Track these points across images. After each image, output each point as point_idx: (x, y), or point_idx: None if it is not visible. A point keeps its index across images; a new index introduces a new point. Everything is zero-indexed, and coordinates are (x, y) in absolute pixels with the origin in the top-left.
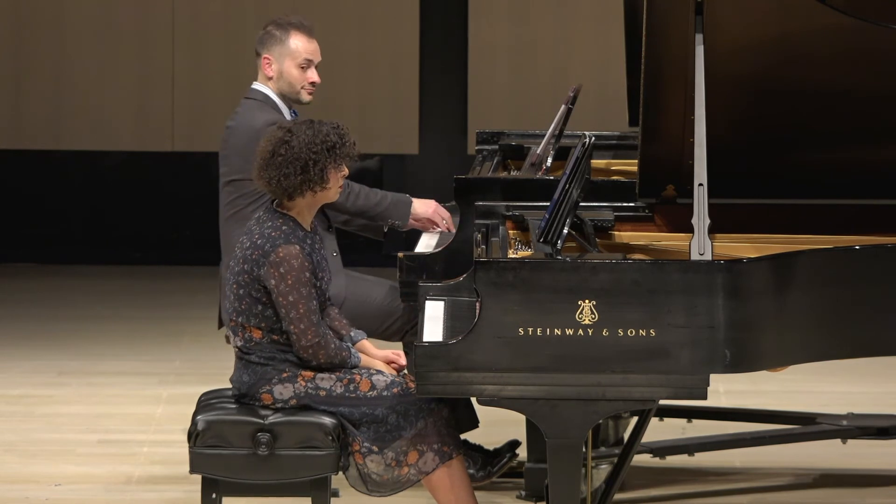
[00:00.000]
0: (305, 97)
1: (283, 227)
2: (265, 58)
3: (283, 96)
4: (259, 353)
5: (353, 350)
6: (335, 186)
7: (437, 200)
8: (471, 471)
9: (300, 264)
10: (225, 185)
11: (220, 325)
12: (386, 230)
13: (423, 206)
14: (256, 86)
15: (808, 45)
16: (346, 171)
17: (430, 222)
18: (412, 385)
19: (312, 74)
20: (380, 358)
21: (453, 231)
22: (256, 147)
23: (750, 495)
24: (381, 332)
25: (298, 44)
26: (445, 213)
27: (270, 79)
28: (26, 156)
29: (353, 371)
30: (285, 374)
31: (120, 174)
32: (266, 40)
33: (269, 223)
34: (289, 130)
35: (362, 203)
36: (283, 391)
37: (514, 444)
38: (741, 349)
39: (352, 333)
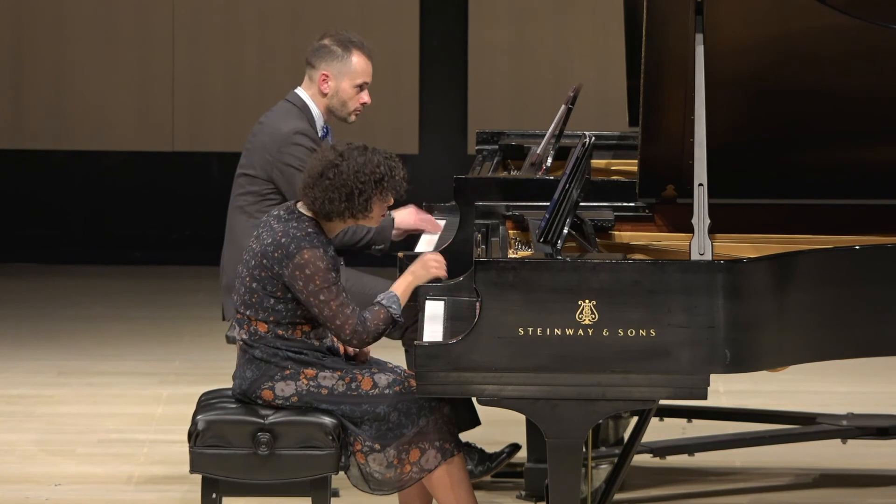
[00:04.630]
0: (353, 118)
1: (309, 230)
2: (323, 74)
3: (329, 112)
4: (263, 347)
5: (383, 300)
6: (378, 216)
7: (434, 201)
8: (469, 467)
9: (326, 265)
10: (239, 176)
11: (224, 317)
12: (379, 254)
13: (405, 218)
14: (299, 92)
15: (808, 45)
16: (391, 201)
17: (420, 228)
18: (413, 383)
19: (365, 96)
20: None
21: (439, 230)
22: (273, 150)
23: (750, 495)
24: None
25: (359, 64)
26: (427, 217)
27: (325, 95)
28: (26, 156)
29: (355, 370)
30: (287, 372)
31: (120, 174)
32: (325, 55)
33: (294, 223)
34: (340, 154)
35: (348, 239)
36: (285, 388)
37: (514, 446)
38: (741, 349)
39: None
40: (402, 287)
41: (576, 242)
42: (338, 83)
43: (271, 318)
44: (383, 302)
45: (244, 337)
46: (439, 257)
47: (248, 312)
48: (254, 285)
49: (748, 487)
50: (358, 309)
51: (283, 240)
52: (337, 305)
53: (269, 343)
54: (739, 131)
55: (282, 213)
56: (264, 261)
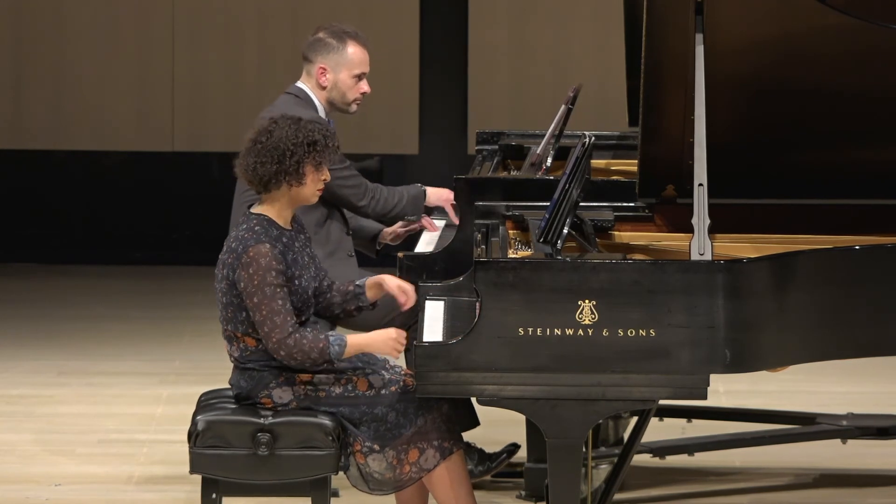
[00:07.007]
0: (354, 108)
1: (256, 228)
2: (321, 67)
3: (330, 104)
4: (256, 361)
5: (332, 338)
6: (312, 186)
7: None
8: (469, 467)
9: (267, 263)
10: None
11: None
12: (379, 249)
13: (438, 191)
14: (300, 85)
15: (808, 45)
16: (327, 176)
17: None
18: (410, 382)
19: (364, 85)
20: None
21: (439, 230)
22: None
23: (750, 495)
24: (383, 325)
25: (355, 55)
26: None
27: (324, 88)
28: (26, 156)
29: (350, 371)
30: (282, 378)
31: (120, 174)
32: (320, 48)
33: (244, 226)
34: (275, 122)
35: (381, 208)
36: (283, 395)
37: (513, 445)
38: (741, 349)
39: (357, 282)
40: (355, 340)
41: (576, 242)
42: (336, 75)
43: (251, 331)
44: (330, 338)
45: (235, 355)
46: (403, 339)
47: (229, 327)
48: (224, 300)
49: (748, 487)
50: (299, 326)
51: (233, 244)
52: (268, 311)
53: (260, 358)
54: (739, 131)
55: (241, 218)
56: (224, 271)
